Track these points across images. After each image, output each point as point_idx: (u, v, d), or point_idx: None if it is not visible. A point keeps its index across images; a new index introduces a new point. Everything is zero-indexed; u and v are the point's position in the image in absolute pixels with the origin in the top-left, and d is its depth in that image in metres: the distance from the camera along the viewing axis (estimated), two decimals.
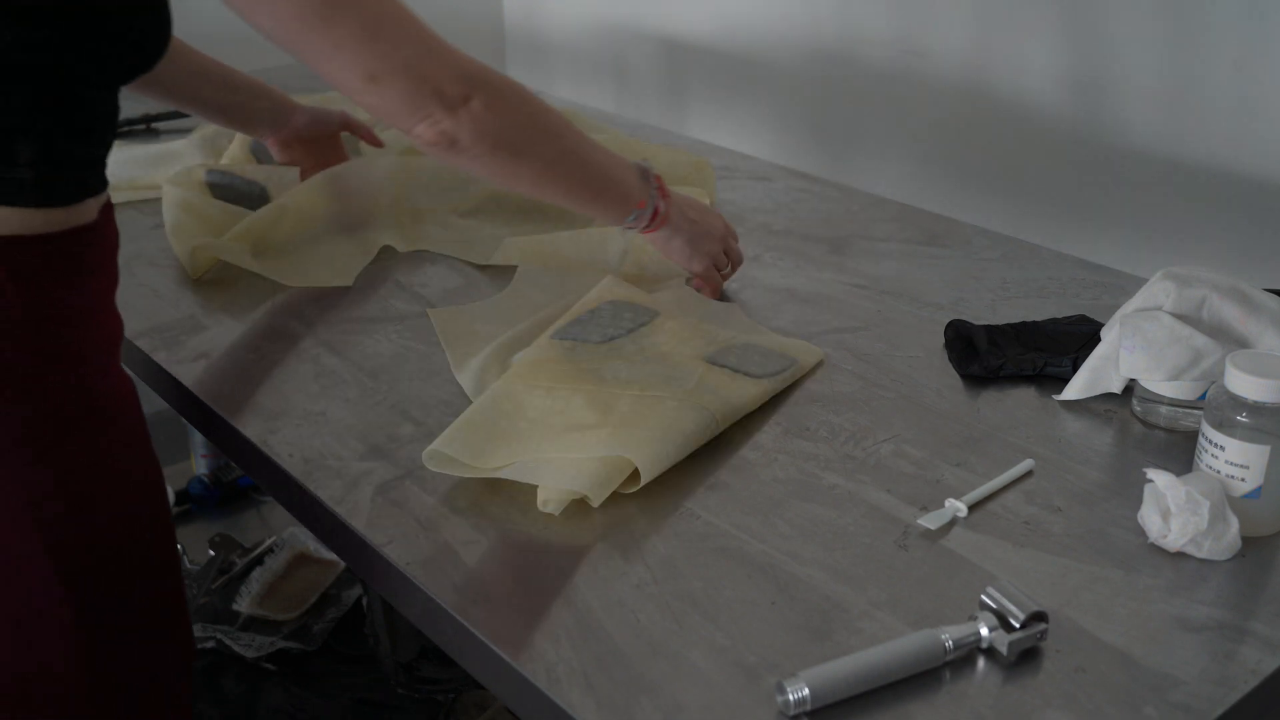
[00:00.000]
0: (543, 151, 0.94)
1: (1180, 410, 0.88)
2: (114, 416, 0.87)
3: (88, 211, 0.83)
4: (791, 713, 0.63)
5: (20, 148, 0.76)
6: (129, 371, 0.93)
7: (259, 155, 1.36)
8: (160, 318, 1.09)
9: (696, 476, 0.84)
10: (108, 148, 0.84)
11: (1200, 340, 0.85)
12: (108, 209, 0.86)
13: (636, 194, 1.02)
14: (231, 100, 1.25)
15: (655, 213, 1.04)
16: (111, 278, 0.88)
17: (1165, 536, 0.75)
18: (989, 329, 1.01)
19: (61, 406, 0.82)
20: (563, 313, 1.01)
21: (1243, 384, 0.76)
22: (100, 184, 0.84)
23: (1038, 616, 0.67)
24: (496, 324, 1.04)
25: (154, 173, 1.40)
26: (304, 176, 1.30)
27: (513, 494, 0.82)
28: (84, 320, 0.84)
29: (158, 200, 1.26)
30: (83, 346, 0.84)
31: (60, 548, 0.83)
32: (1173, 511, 0.75)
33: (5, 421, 0.79)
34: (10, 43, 0.73)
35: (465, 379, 0.95)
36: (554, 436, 0.84)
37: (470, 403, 0.90)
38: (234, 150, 1.37)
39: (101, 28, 0.78)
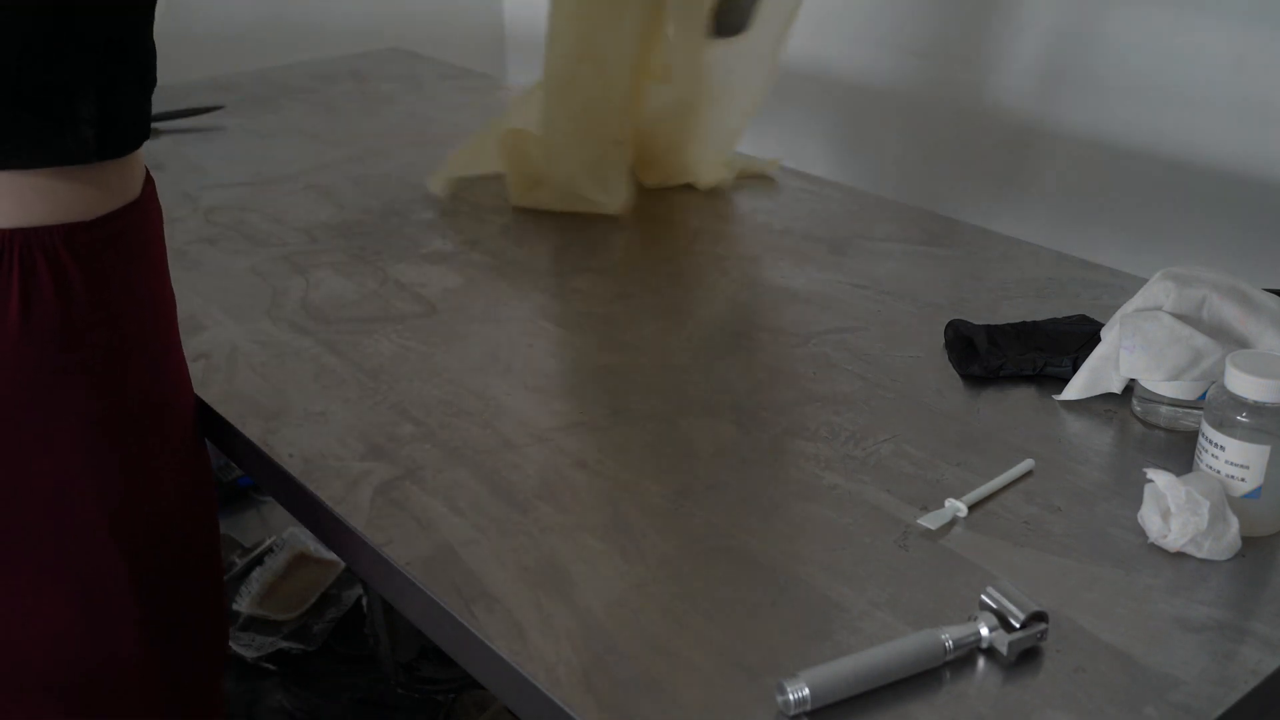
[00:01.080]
0: None
1: (1180, 410, 0.88)
2: (175, 398, 0.88)
3: (132, 184, 0.82)
4: (791, 713, 0.63)
5: (81, 105, 0.75)
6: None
7: None
8: None
9: (697, 476, 0.84)
10: (151, 97, 0.83)
11: (1200, 340, 0.85)
12: (150, 183, 0.86)
13: None
14: None
15: None
16: (162, 253, 0.88)
17: (1165, 536, 0.75)
18: (989, 329, 1.01)
19: (131, 392, 0.83)
20: None
21: (1243, 384, 0.76)
22: (147, 133, 0.83)
23: (1038, 616, 0.67)
24: None
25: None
26: None
27: (512, 494, 0.83)
28: (145, 304, 0.84)
29: None
30: (147, 331, 0.84)
31: (124, 532, 0.84)
32: (1173, 511, 0.75)
33: (79, 411, 0.80)
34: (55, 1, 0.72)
35: None
36: None
37: None
38: None
39: None
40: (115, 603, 0.85)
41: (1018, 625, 0.66)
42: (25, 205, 0.75)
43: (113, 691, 0.87)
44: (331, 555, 1.70)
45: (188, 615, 0.92)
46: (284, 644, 1.60)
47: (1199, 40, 1.39)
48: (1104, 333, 0.93)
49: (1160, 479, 0.76)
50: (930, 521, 0.79)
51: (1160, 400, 0.89)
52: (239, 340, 1.05)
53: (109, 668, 0.86)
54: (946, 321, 1.04)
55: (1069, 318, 1.03)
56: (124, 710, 0.88)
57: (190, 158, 1.53)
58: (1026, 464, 0.85)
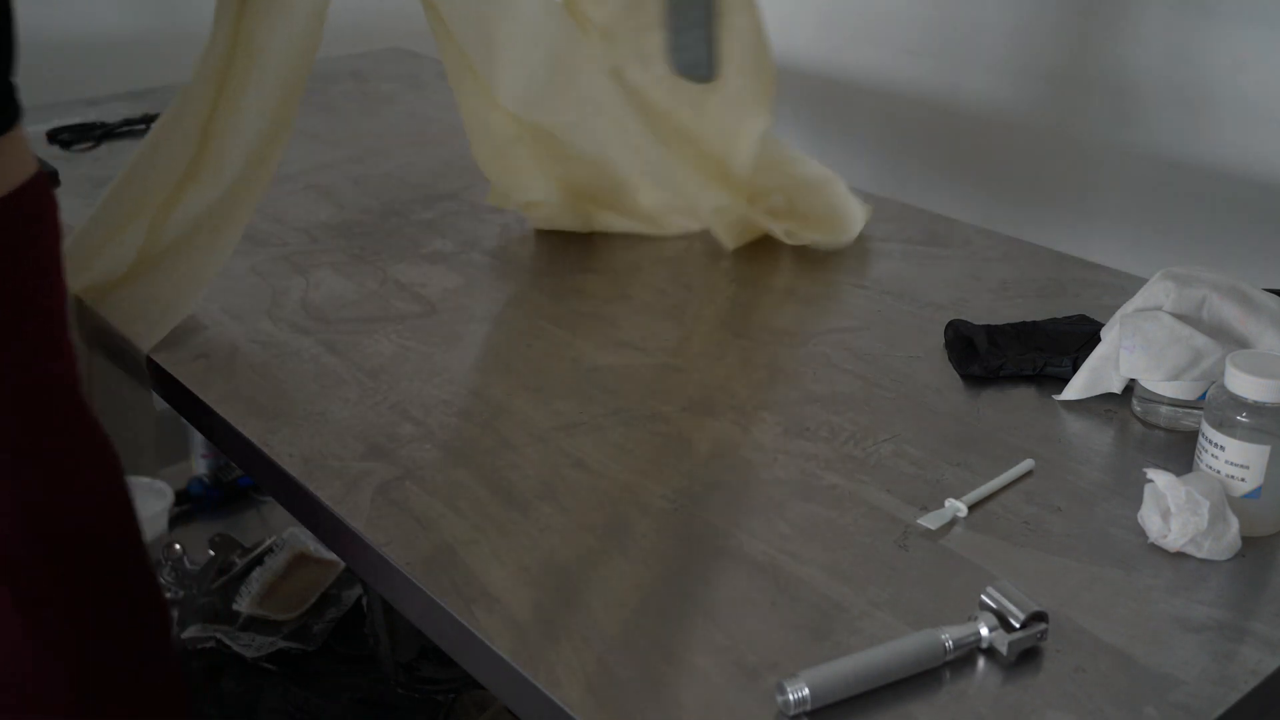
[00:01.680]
0: None
1: (1180, 410, 0.88)
2: (64, 392, 0.86)
3: (4, 177, 0.79)
4: (791, 713, 0.63)
5: None
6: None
7: None
8: None
9: (696, 476, 0.84)
10: (9, 80, 0.79)
11: (1200, 340, 0.85)
12: (38, 177, 0.83)
13: None
14: None
15: None
16: (49, 248, 0.84)
17: (1165, 536, 0.75)
18: (989, 329, 1.01)
19: (12, 389, 0.81)
20: None
21: (1243, 384, 0.76)
22: (10, 122, 0.79)
23: (1038, 616, 0.67)
24: None
25: None
26: None
27: (512, 494, 0.82)
28: (26, 299, 0.82)
29: None
30: (27, 326, 0.83)
31: (33, 525, 0.83)
32: (1173, 511, 0.75)
33: None
34: None
35: None
36: None
37: None
38: None
39: None
40: (37, 612, 0.84)
41: (1018, 625, 0.66)
42: None
43: (22, 701, 0.86)
44: (331, 555, 1.70)
45: (117, 616, 0.90)
46: (284, 644, 1.60)
47: (1199, 41, 1.39)
48: (1104, 333, 0.93)
49: (1160, 479, 0.76)
50: (930, 521, 0.79)
51: (1160, 400, 0.89)
52: (239, 340, 1.05)
53: (12, 681, 0.85)
54: (946, 321, 1.04)
55: (1069, 318, 1.03)
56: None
57: None
58: (1026, 464, 0.85)
